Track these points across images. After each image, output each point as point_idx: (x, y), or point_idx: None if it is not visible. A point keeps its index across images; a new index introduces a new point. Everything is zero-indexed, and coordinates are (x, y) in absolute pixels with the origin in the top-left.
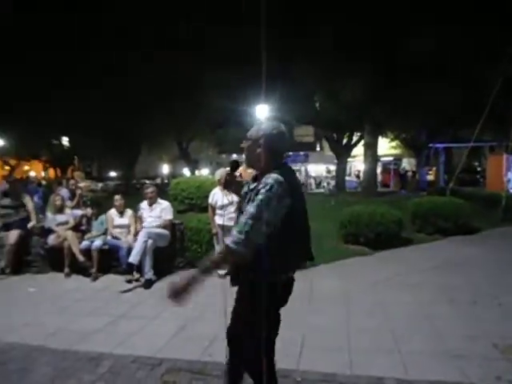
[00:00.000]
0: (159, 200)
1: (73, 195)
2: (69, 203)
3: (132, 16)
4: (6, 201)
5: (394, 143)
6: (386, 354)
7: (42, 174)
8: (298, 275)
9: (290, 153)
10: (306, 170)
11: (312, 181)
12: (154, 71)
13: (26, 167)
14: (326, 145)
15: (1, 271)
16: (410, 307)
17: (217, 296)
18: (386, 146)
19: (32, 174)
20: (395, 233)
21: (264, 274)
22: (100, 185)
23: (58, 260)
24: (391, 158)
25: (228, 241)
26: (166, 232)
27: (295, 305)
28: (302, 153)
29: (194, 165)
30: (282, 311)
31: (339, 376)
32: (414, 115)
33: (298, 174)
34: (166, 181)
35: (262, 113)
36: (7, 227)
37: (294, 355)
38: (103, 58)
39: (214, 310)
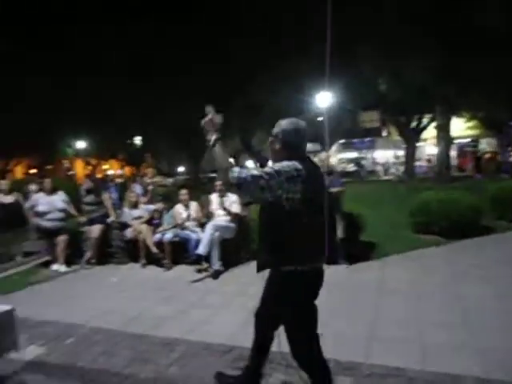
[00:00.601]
0: (228, 193)
1: (145, 191)
2: (142, 199)
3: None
4: (90, 198)
5: (470, 123)
6: (463, 350)
7: (119, 171)
8: (368, 266)
9: (355, 140)
10: (373, 157)
11: (380, 168)
12: (214, 66)
13: (105, 166)
14: (393, 129)
15: (87, 262)
16: (489, 301)
17: None
18: (462, 127)
19: (110, 172)
20: (472, 221)
21: (285, 262)
22: (170, 180)
23: (135, 252)
24: (468, 140)
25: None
26: (232, 224)
27: (364, 296)
28: (367, 139)
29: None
30: (351, 302)
31: (410, 371)
32: (492, 91)
33: (364, 162)
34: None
35: (324, 101)
36: (91, 222)
37: (362, 348)
38: (168, 56)
39: None
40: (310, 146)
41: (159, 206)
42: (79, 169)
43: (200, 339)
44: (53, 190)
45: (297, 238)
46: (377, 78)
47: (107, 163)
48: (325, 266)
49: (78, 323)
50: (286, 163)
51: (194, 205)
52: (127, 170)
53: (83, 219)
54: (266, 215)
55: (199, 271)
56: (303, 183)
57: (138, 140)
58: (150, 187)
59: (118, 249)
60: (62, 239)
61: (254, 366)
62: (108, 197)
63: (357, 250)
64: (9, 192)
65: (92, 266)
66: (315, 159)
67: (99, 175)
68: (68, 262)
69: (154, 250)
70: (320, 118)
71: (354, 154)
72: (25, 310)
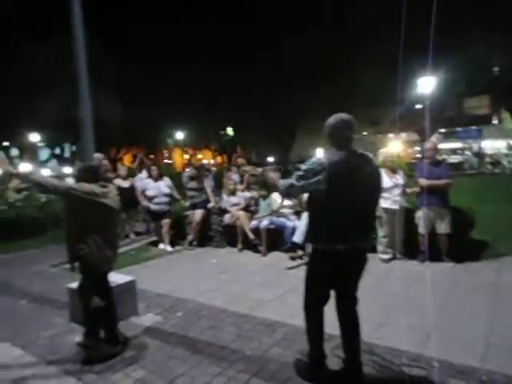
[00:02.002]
0: None
1: (242, 179)
2: (239, 187)
3: None
4: (192, 184)
5: None
6: None
7: (212, 161)
8: (480, 266)
9: (459, 128)
10: (480, 147)
11: (488, 159)
12: (306, 53)
13: (200, 155)
14: (506, 116)
15: (189, 244)
16: None
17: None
18: None
19: (205, 161)
20: None
21: (318, 241)
22: (259, 169)
23: (232, 236)
24: None
25: (281, 183)
26: None
27: (477, 298)
28: (473, 127)
29: None
30: (462, 303)
31: None
32: None
33: (468, 152)
34: None
35: (427, 86)
36: (194, 207)
37: (478, 353)
38: (262, 45)
39: (377, 295)
40: (404, 136)
41: (255, 193)
42: (177, 158)
43: (299, 324)
44: (159, 177)
45: (324, 221)
46: (489, 56)
47: (201, 153)
48: (427, 264)
49: (186, 298)
50: (311, 160)
51: None
52: (219, 160)
53: (186, 204)
54: (308, 203)
55: (293, 259)
56: (328, 173)
57: (230, 131)
58: (247, 176)
59: (216, 233)
60: (166, 222)
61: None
62: (209, 184)
63: (466, 248)
64: (126, 177)
65: (193, 248)
66: (416, 147)
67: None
68: (172, 243)
69: (251, 236)
70: (419, 106)
71: (457, 145)
72: (141, 282)
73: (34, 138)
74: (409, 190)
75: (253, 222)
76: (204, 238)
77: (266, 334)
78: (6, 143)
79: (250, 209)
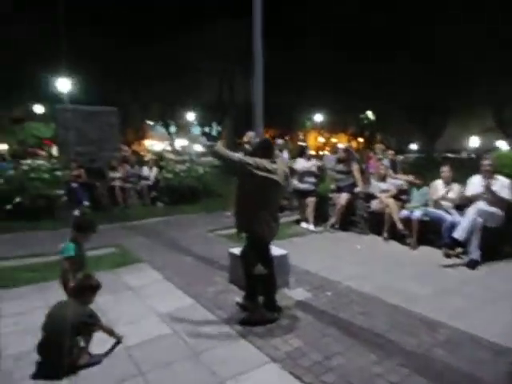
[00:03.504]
0: (498, 176)
1: (393, 165)
2: (390, 172)
3: None
4: (340, 166)
5: None
6: None
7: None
8: None
9: None
10: None
11: None
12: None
13: (334, 140)
14: None
15: (331, 226)
16: None
17: None
18: None
19: (340, 145)
20: None
21: None
22: (401, 157)
23: (377, 224)
24: None
25: None
26: (499, 212)
27: None
28: None
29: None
30: None
31: None
32: None
33: None
34: (474, 156)
35: None
36: (339, 190)
37: None
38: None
39: None
40: None
41: (410, 178)
42: (311, 140)
43: (463, 329)
44: (310, 157)
45: None
46: None
47: (336, 136)
48: None
49: (334, 280)
50: None
51: (456, 186)
52: (354, 144)
53: (332, 186)
54: None
55: (448, 256)
56: None
57: (370, 114)
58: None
59: (361, 219)
60: (311, 200)
61: None
62: (357, 168)
63: None
64: None
65: (335, 231)
66: None
67: (329, 148)
68: (314, 223)
69: (400, 225)
70: None
71: None
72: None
73: (190, 117)
74: None
75: (403, 212)
76: (346, 223)
77: (424, 332)
78: (167, 121)
79: (401, 197)
